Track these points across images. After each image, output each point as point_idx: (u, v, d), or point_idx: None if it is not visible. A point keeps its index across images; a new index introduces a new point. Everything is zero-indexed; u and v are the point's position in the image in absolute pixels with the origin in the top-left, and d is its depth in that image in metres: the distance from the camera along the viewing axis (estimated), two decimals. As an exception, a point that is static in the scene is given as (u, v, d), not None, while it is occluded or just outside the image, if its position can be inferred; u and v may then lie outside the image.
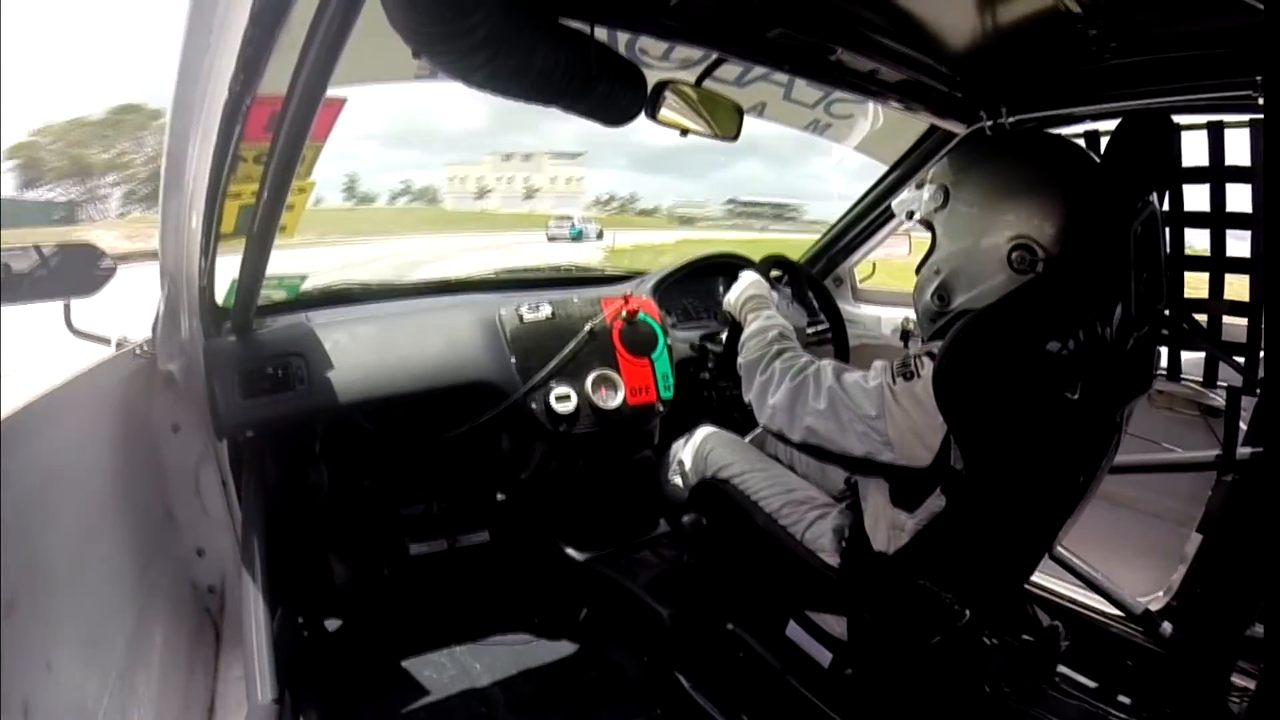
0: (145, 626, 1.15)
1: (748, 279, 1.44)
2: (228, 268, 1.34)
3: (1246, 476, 1.39)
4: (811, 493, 1.35)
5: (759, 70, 1.55)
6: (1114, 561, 1.61)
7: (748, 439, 1.59)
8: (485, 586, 1.91)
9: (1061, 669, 1.56)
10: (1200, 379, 1.56)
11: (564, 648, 1.79)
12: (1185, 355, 1.57)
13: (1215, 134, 1.41)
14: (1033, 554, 1.23)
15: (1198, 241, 1.50)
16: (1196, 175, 1.45)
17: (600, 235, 30.19)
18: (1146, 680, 1.57)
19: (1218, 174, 1.43)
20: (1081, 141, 1.50)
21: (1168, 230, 1.45)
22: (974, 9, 1.26)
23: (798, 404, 1.12)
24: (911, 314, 1.24)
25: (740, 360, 1.28)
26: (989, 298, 1.04)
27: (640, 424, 1.85)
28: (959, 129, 1.66)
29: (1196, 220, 1.48)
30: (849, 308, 2.43)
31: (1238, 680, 1.41)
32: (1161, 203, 1.12)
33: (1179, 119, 1.19)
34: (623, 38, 1.34)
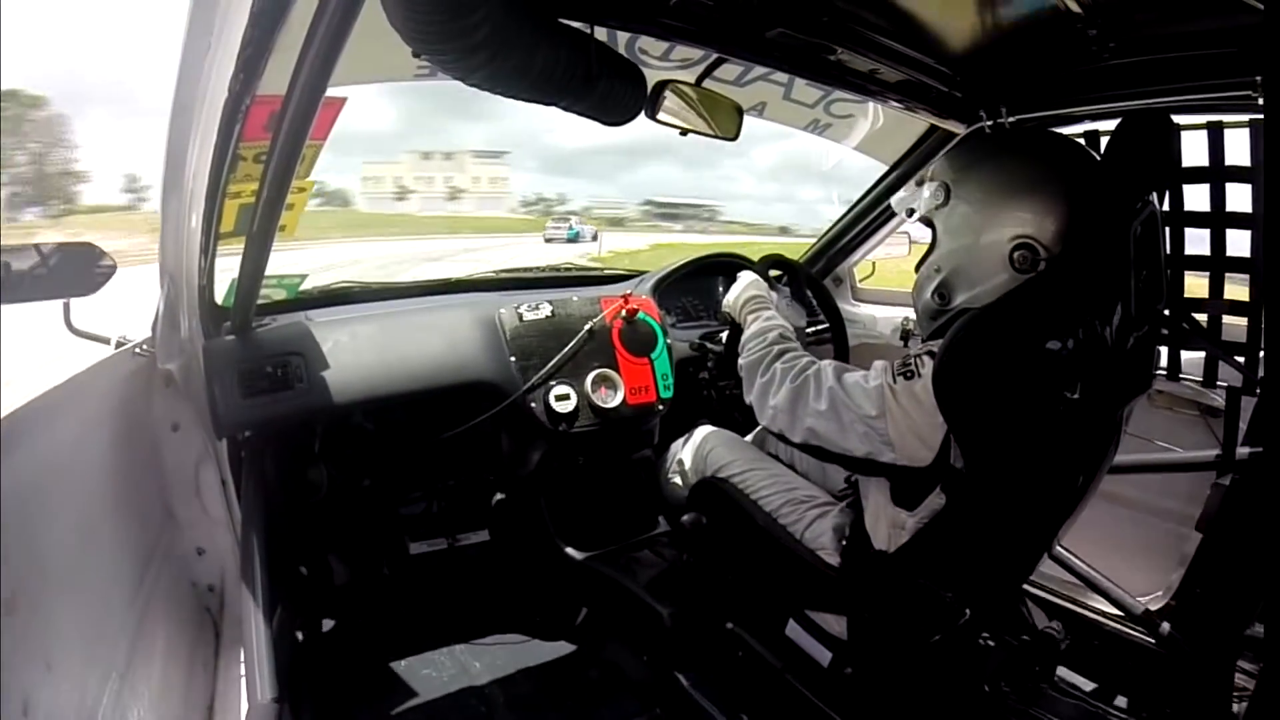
0: (145, 626, 1.15)
1: (746, 279, 1.45)
2: (227, 267, 1.34)
3: (1246, 476, 1.39)
4: (812, 491, 1.35)
5: (759, 70, 1.55)
6: (1113, 561, 1.62)
7: (749, 438, 1.59)
8: (485, 586, 1.91)
9: (1061, 668, 1.56)
10: (1200, 379, 1.56)
11: (563, 647, 1.79)
12: (1185, 355, 1.58)
13: (1215, 134, 1.41)
14: (1032, 553, 1.23)
15: (1198, 242, 1.50)
16: (1196, 175, 1.45)
17: (595, 237, 30.73)
18: (1145, 680, 1.57)
19: (1217, 174, 1.43)
20: (1081, 141, 1.50)
21: (1168, 230, 1.45)
22: (974, 9, 1.26)
23: (799, 405, 1.12)
24: (911, 313, 1.24)
25: (741, 362, 1.28)
26: (989, 296, 1.04)
27: (640, 423, 1.85)
28: (959, 129, 1.66)
29: (1196, 220, 1.48)
30: (849, 307, 2.43)
31: (1237, 680, 1.41)
32: (1161, 203, 1.12)
33: (1179, 119, 1.19)
34: (623, 37, 1.35)
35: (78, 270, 1.24)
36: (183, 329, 1.37)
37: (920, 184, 1.18)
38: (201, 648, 1.39)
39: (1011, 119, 1.57)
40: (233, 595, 1.47)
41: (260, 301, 1.43)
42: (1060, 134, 1.14)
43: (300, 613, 1.65)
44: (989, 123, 1.60)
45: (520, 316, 1.74)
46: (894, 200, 1.29)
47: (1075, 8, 1.15)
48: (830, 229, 2.36)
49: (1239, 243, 1.45)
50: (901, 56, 1.38)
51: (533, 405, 1.67)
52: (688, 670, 1.52)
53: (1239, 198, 1.42)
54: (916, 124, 1.85)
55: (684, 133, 1.42)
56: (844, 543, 1.23)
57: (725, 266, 2.10)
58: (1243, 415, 1.42)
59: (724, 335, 1.72)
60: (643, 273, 2.11)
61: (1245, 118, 1.36)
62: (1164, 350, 1.57)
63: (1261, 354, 1.38)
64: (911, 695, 1.25)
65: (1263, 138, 1.28)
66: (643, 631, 1.66)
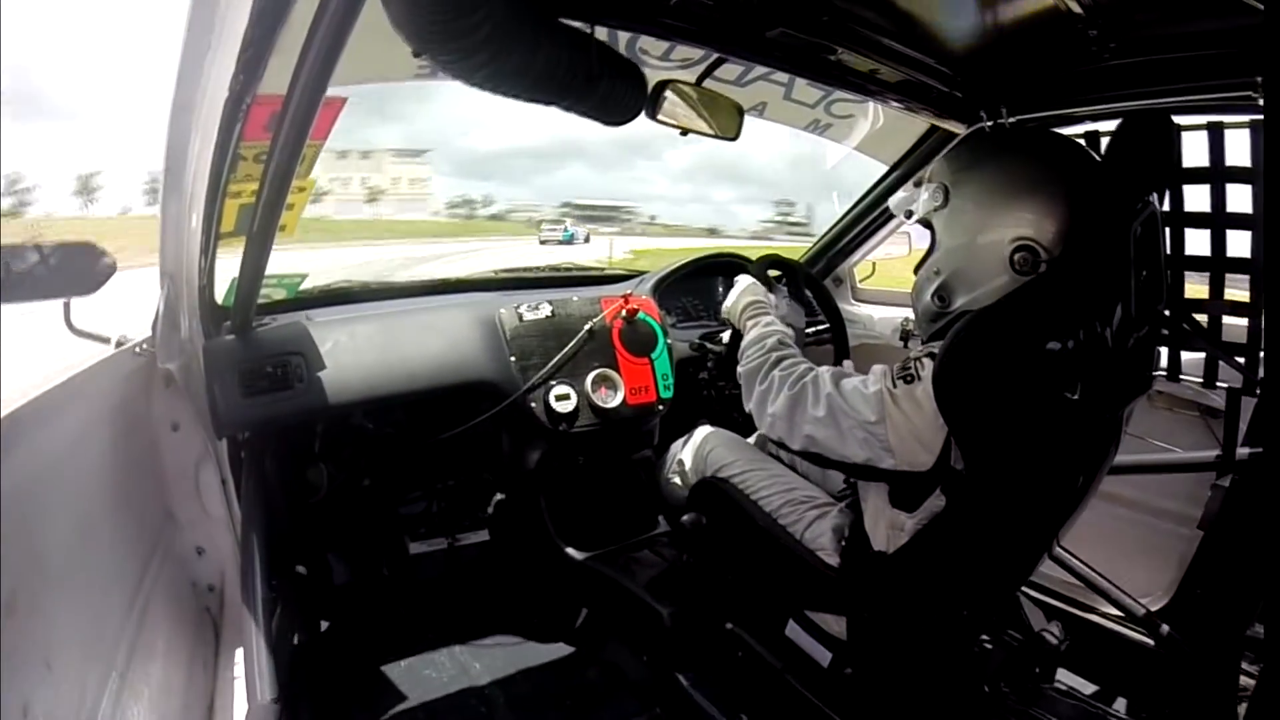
0: (145, 626, 1.15)
1: (744, 284, 1.44)
2: (227, 267, 1.34)
3: (1246, 477, 1.39)
4: (811, 492, 1.35)
5: (759, 70, 1.55)
6: (1114, 561, 1.62)
7: (750, 439, 1.59)
8: (484, 586, 1.91)
9: (1061, 669, 1.56)
10: (1200, 379, 1.56)
11: (563, 647, 1.79)
12: (1185, 356, 1.58)
13: (1215, 135, 1.41)
14: (1032, 554, 1.23)
15: (1198, 242, 1.50)
16: (1197, 176, 1.45)
17: (587, 239, 31.21)
18: (1145, 680, 1.57)
19: (1218, 174, 1.43)
20: (1082, 142, 1.50)
21: (1168, 230, 1.45)
22: (974, 9, 1.26)
23: (797, 412, 1.12)
24: (911, 314, 1.24)
25: (739, 369, 1.28)
26: (990, 298, 1.04)
27: (640, 423, 1.85)
28: (959, 129, 1.66)
29: (1197, 221, 1.48)
30: (849, 307, 2.43)
31: (1237, 679, 1.41)
32: (1162, 203, 1.12)
33: (1179, 119, 1.19)
34: (623, 37, 1.35)
35: (78, 270, 1.23)
36: (183, 329, 1.37)
37: (918, 185, 1.17)
38: (201, 648, 1.39)
39: (1012, 119, 1.57)
40: (232, 595, 1.47)
41: (260, 301, 1.43)
42: (1060, 134, 1.13)
43: (300, 613, 1.65)
44: (989, 123, 1.60)
45: (520, 316, 1.74)
46: (892, 202, 1.28)
47: (1076, 8, 1.15)
48: (830, 229, 2.36)
49: (1239, 243, 1.45)
50: (902, 56, 1.38)
51: (533, 405, 1.67)
52: (687, 670, 1.52)
53: (1239, 198, 1.43)
54: (917, 124, 1.85)
55: (684, 132, 1.42)
56: (843, 543, 1.23)
57: (725, 267, 2.10)
58: (1243, 416, 1.42)
59: (724, 336, 1.72)
60: (643, 273, 2.11)
61: (1245, 118, 1.36)
62: (1164, 351, 1.57)
63: (1261, 355, 1.38)
64: (911, 696, 1.25)
65: (1263, 138, 1.28)
66: (642, 631, 1.66)
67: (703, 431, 1.58)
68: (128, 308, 1.39)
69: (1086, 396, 0.99)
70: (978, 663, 1.30)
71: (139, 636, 1.11)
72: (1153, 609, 1.56)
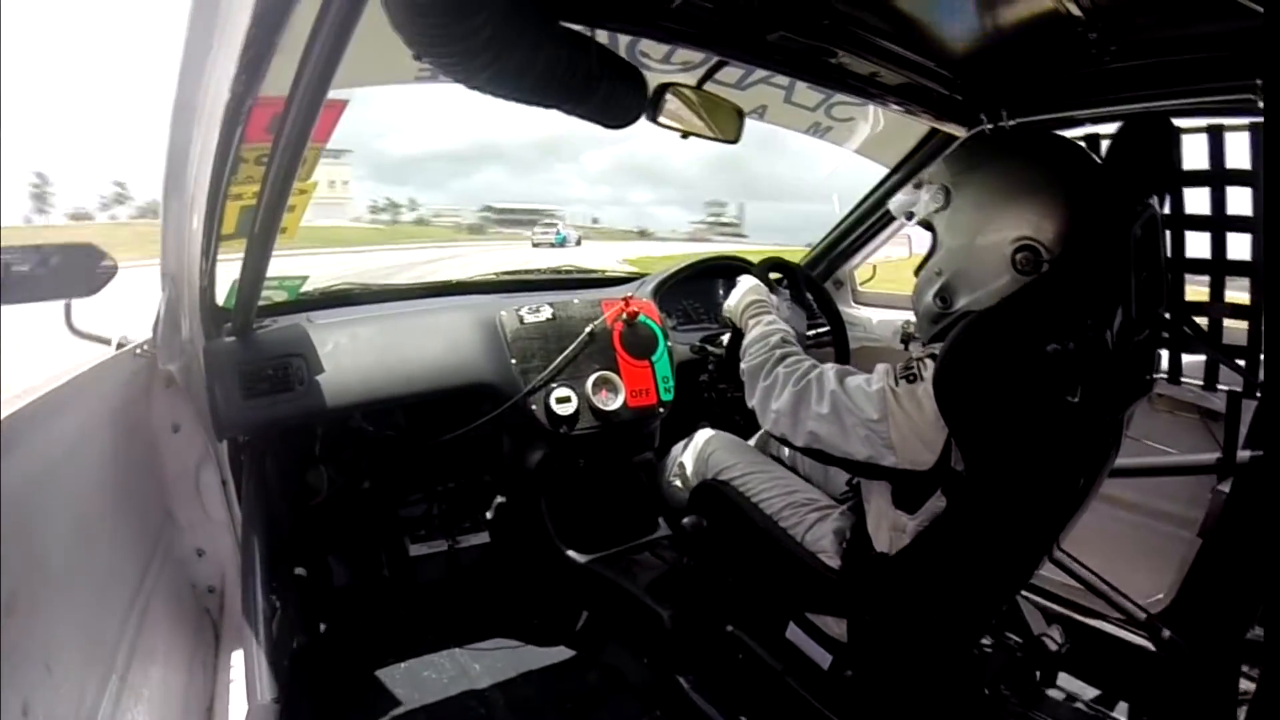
0: (145, 627, 1.15)
1: (747, 284, 1.44)
2: (228, 269, 1.34)
3: (1246, 480, 1.38)
4: (813, 494, 1.35)
5: (760, 73, 1.55)
6: (1114, 564, 1.61)
7: (751, 442, 1.59)
8: (485, 588, 1.91)
9: (1061, 672, 1.56)
10: (1201, 382, 1.56)
11: (563, 649, 1.79)
12: (1186, 358, 1.57)
13: (1215, 137, 1.41)
14: (1033, 556, 1.23)
15: (1198, 245, 1.50)
16: (1197, 178, 1.45)
17: (579, 243, 31.70)
18: (1146, 683, 1.57)
19: (1218, 177, 1.42)
20: (1082, 145, 1.50)
21: (1168, 233, 1.45)
22: (975, 12, 1.26)
23: (801, 409, 1.12)
24: (912, 316, 1.24)
25: (743, 366, 1.28)
26: (992, 298, 1.04)
27: (641, 426, 1.85)
28: (959, 132, 1.66)
29: (1197, 223, 1.48)
30: (849, 310, 2.43)
31: (1237, 682, 1.40)
32: (1162, 206, 1.12)
33: (1179, 122, 1.19)
34: (624, 40, 1.35)
35: (79, 271, 1.23)
36: (184, 330, 1.37)
37: (919, 187, 1.17)
38: (201, 649, 1.39)
39: (1012, 122, 1.57)
40: (232, 597, 1.47)
41: (261, 303, 1.43)
42: (1061, 136, 1.14)
43: (300, 614, 1.65)
44: (989, 126, 1.60)
45: (521, 319, 1.74)
46: (892, 204, 1.28)
47: (1076, 11, 1.15)
48: (831, 232, 2.36)
49: (1239, 246, 1.45)
50: (902, 60, 1.38)
51: (533, 407, 1.67)
52: (688, 672, 1.52)
53: (1239, 201, 1.42)
54: (917, 127, 1.85)
55: (685, 135, 1.42)
56: (844, 546, 1.23)
57: (726, 270, 2.10)
58: (1243, 419, 1.42)
59: (725, 338, 1.72)
60: (644, 275, 2.11)
61: (1245, 121, 1.36)
62: (1165, 353, 1.57)
63: (1262, 357, 1.38)
64: (911, 698, 1.25)
65: (1263, 141, 1.28)
66: (643, 634, 1.66)
67: (704, 434, 1.58)
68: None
69: (1087, 399, 0.99)
70: (978, 665, 1.30)
71: (139, 638, 1.11)
72: (1153, 612, 1.55)
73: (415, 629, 1.80)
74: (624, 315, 1.81)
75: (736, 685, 1.42)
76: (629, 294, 1.91)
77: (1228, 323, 1.48)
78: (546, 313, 1.77)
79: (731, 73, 1.50)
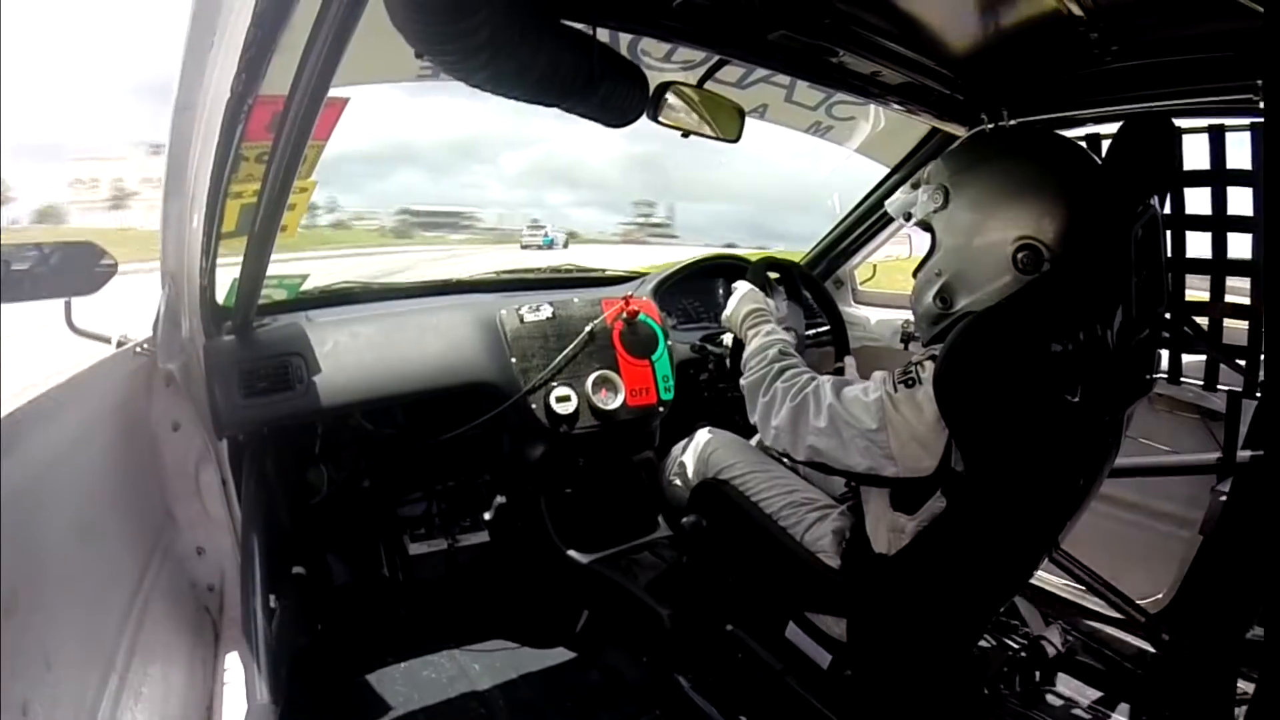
0: (144, 626, 1.15)
1: (744, 290, 1.43)
2: (228, 268, 1.34)
3: (1246, 480, 1.38)
4: (812, 494, 1.35)
5: (761, 72, 1.55)
6: (1114, 564, 1.61)
7: (753, 441, 1.59)
8: (485, 587, 1.91)
9: (1060, 672, 1.56)
10: (1201, 382, 1.56)
11: (563, 649, 1.79)
12: (1186, 358, 1.57)
13: (1216, 137, 1.41)
14: (1033, 556, 1.23)
15: (1198, 245, 1.50)
16: (1197, 178, 1.45)
17: (566, 245, 31.70)
18: (1146, 682, 1.57)
19: (1219, 177, 1.43)
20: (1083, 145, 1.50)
21: (1169, 233, 1.45)
22: (976, 12, 1.26)
23: (799, 424, 1.12)
24: (912, 316, 1.23)
25: (742, 382, 1.27)
26: (993, 298, 1.04)
27: (641, 425, 1.85)
28: (960, 131, 1.66)
29: (1198, 223, 1.48)
30: (850, 310, 2.43)
31: (1238, 684, 1.41)
32: (1162, 206, 1.12)
33: (1180, 122, 1.19)
34: (625, 39, 1.35)
35: (79, 269, 1.23)
36: (184, 329, 1.37)
37: (916, 187, 1.16)
38: (201, 648, 1.39)
39: (1013, 122, 1.57)
40: (232, 595, 1.47)
41: (261, 302, 1.43)
42: (1060, 135, 1.13)
43: (299, 613, 1.65)
44: (990, 125, 1.60)
45: (521, 318, 1.74)
46: (889, 204, 1.27)
47: (1077, 11, 1.15)
48: (831, 232, 2.36)
49: (1240, 246, 1.45)
50: (903, 59, 1.38)
51: (533, 406, 1.67)
52: (688, 672, 1.52)
53: (1240, 201, 1.42)
54: (918, 127, 1.85)
55: (686, 134, 1.42)
56: (844, 545, 1.23)
57: (726, 269, 2.10)
58: (1243, 419, 1.42)
59: (725, 338, 1.72)
60: (644, 275, 2.11)
61: (1246, 121, 1.36)
62: (1165, 353, 1.57)
63: (1262, 357, 1.38)
64: (911, 698, 1.25)
65: (1263, 141, 1.28)
66: (643, 633, 1.66)
67: (704, 433, 1.58)
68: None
69: (1087, 399, 0.99)
70: (978, 666, 1.30)
71: (139, 636, 1.11)
72: (1153, 611, 1.56)
73: (415, 628, 1.80)
74: (624, 314, 1.81)
75: (736, 685, 1.42)
76: (629, 293, 1.91)
77: (1228, 323, 1.48)
78: (547, 311, 1.77)
79: (732, 72, 1.50)
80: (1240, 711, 1.37)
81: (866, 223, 2.25)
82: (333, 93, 0.90)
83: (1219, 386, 1.53)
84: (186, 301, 1.34)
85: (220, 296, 1.44)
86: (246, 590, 1.27)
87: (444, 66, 0.90)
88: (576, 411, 1.69)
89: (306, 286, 1.72)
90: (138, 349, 1.35)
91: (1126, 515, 1.69)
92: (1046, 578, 1.71)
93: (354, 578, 1.81)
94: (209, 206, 1.15)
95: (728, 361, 1.63)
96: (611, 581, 1.74)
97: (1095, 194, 1.02)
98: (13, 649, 0.72)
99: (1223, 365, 1.50)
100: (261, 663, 1.15)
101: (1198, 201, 1.47)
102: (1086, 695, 1.56)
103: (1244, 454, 1.40)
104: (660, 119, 1.34)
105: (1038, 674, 1.51)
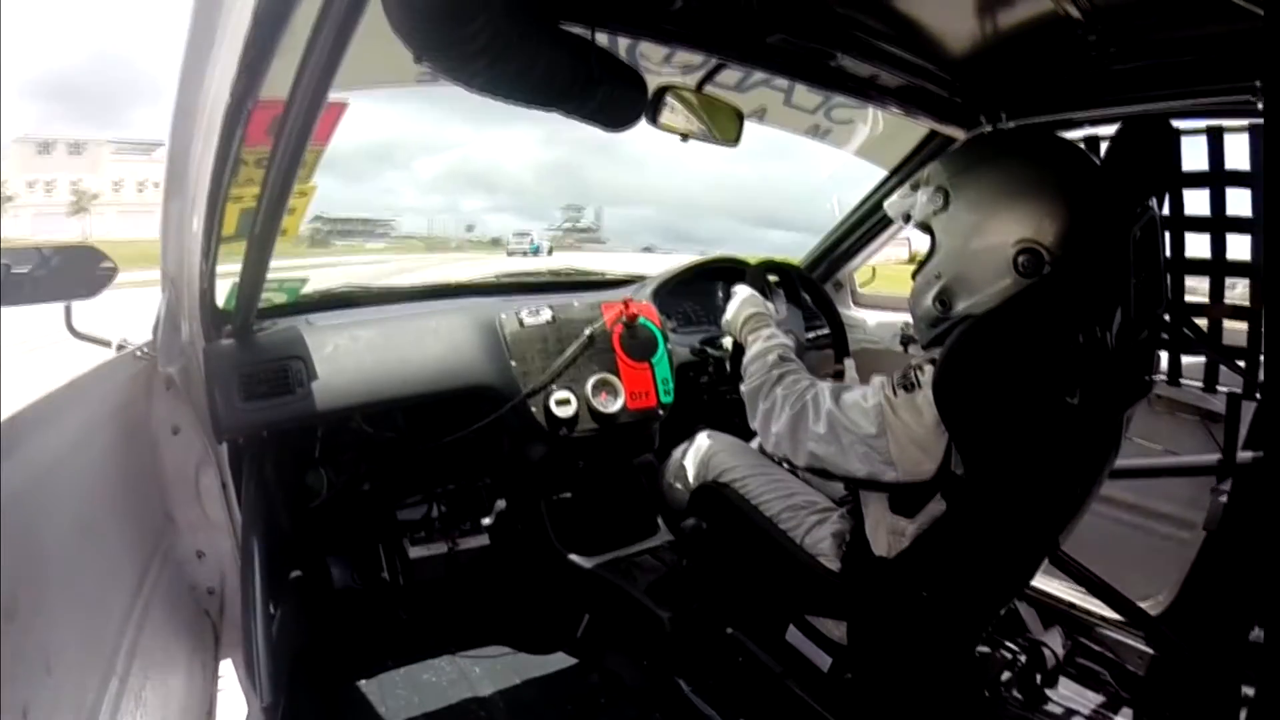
0: (144, 629, 1.15)
1: (743, 295, 1.43)
2: (227, 270, 1.34)
3: (1247, 481, 1.38)
4: (812, 497, 1.35)
5: (759, 75, 1.55)
6: (1115, 565, 1.61)
7: (754, 444, 1.59)
8: (484, 591, 1.90)
9: (1062, 675, 1.56)
10: (1200, 383, 1.56)
11: (563, 652, 1.79)
12: (1185, 359, 1.57)
13: (1215, 138, 1.41)
14: (1033, 558, 1.23)
15: (1198, 246, 1.50)
16: (1196, 180, 1.45)
17: (550, 252, 33.18)
18: (1147, 684, 1.57)
19: (1218, 178, 1.43)
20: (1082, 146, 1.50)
21: (1168, 235, 1.45)
22: (974, 14, 1.26)
23: (799, 430, 1.13)
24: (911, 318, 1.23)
25: (742, 389, 1.27)
26: (992, 301, 1.03)
27: (640, 428, 1.85)
28: (959, 134, 1.67)
29: (1197, 225, 1.48)
30: (849, 312, 2.43)
31: (1238, 684, 1.40)
32: (1161, 207, 1.12)
33: (1178, 124, 1.19)
34: (623, 43, 1.35)
35: (79, 273, 1.24)
36: (184, 332, 1.37)
37: (915, 188, 1.16)
38: (200, 651, 1.39)
39: (1012, 124, 1.57)
40: (232, 599, 1.47)
41: (261, 305, 1.43)
42: (1058, 136, 1.14)
43: (299, 617, 1.65)
44: (989, 128, 1.60)
45: (521, 321, 1.74)
46: (887, 205, 1.25)
47: (1076, 13, 1.15)
48: (830, 234, 2.37)
49: (1239, 247, 1.45)
50: (902, 62, 1.39)
51: (533, 410, 1.67)
52: (687, 675, 1.52)
53: (1239, 202, 1.43)
54: (917, 129, 1.85)
55: (685, 138, 1.43)
56: (844, 548, 1.23)
57: (726, 272, 2.10)
58: (1243, 420, 1.42)
59: (725, 341, 1.72)
60: (644, 278, 2.11)
61: (1245, 122, 1.36)
62: (1164, 355, 1.57)
63: (1262, 359, 1.38)
64: (911, 701, 1.25)
65: (1262, 142, 1.28)
66: (643, 636, 1.65)
67: (704, 436, 1.58)
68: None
69: (1086, 400, 0.99)
70: (978, 668, 1.30)
71: (139, 639, 1.11)
72: (1153, 613, 1.55)
73: (415, 631, 1.80)
74: (624, 317, 1.81)
75: (736, 688, 1.41)
76: (628, 296, 1.92)
77: (1227, 324, 1.48)
78: (546, 315, 1.77)
79: (731, 75, 1.50)
80: (1243, 715, 1.37)
81: (865, 225, 2.25)
82: (332, 96, 0.90)
83: (1219, 388, 1.53)
84: (186, 305, 1.34)
85: (221, 300, 1.45)
86: (246, 594, 1.27)
87: (443, 70, 0.91)
88: (576, 415, 1.69)
89: (306, 290, 1.72)
90: (138, 352, 1.35)
91: (1127, 517, 1.69)
92: (1047, 580, 1.71)
93: (353, 581, 1.80)
94: (209, 210, 1.15)
95: (727, 365, 1.63)
96: (611, 585, 1.73)
97: (1095, 196, 1.02)
98: (13, 652, 0.72)
99: (1222, 366, 1.50)
100: (261, 666, 1.15)
101: (1197, 203, 1.47)
102: (1087, 698, 1.56)
103: (1244, 455, 1.40)
104: (659, 122, 1.35)
105: (1038, 677, 1.51)
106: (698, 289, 2.14)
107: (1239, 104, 1.27)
